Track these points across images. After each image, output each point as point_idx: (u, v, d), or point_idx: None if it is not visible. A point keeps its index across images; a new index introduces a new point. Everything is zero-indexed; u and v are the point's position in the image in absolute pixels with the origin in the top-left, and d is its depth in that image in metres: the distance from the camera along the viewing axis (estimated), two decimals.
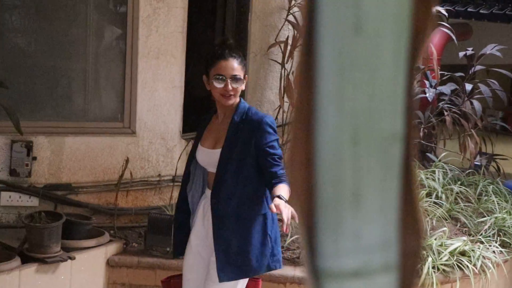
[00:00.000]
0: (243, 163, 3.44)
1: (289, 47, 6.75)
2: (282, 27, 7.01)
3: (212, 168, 3.55)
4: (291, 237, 5.62)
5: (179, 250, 3.81)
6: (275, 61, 7.00)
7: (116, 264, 5.35)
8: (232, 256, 3.45)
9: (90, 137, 6.00)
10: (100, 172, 6.02)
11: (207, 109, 7.66)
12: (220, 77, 3.40)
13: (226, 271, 3.45)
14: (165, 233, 5.30)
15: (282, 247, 5.55)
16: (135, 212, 6.07)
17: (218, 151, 3.50)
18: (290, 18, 6.84)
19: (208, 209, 3.55)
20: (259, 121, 3.44)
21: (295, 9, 6.84)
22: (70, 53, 6.07)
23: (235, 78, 3.42)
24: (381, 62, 0.61)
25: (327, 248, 0.63)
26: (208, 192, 3.59)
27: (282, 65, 6.79)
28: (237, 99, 3.52)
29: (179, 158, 6.15)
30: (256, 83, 7.20)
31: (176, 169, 6.13)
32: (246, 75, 3.59)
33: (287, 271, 5.22)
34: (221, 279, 3.44)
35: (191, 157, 3.70)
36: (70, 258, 4.98)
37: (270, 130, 3.45)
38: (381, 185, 0.63)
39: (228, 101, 3.45)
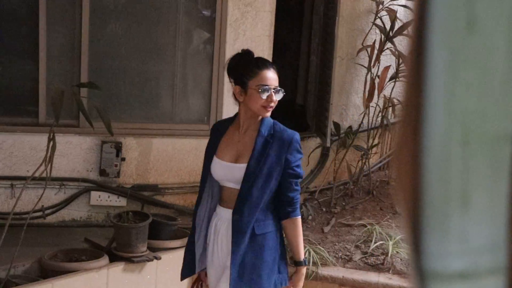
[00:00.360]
0: (270, 180, 3.31)
1: (375, 51, 6.69)
2: (369, 31, 6.95)
3: (232, 183, 3.38)
4: (375, 243, 5.56)
5: (186, 271, 3.62)
6: (362, 65, 6.94)
7: None
8: (246, 273, 3.34)
9: (177, 139, 6.10)
10: (186, 174, 6.11)
11: (288, 113, 7.70)
12: (266, 87, 3.25)
13: (238, 287, 3.35)
14: None
15: (366, 252, 5.50)
16: None
17: (242, 166, 3.33)
18: (378, 22, 6.77)
19: (222, 226, 3.41)
20: (290, 139, 3.34)
21: (383, 12, 6.77)
22: (159, 57, 6.19)
23: (277, 90, 3.31)
24: (493, 61, 0.60)
25: (433, 249, 0.61)
26: (220, 209, 3.44)
27: (369, 69, 6.73)
28: None
29: None
30: (342, 88, 7.17)
31: None
32: None
33: (371, 277, 5.16)
34: None
35: (207, 171, 3.47)
36: (156, 258, 5.07)
37: (300, 149, 3.39)
38: (490, 187, 0.61)
39: (267, 113, 3.33)
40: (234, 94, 3.38)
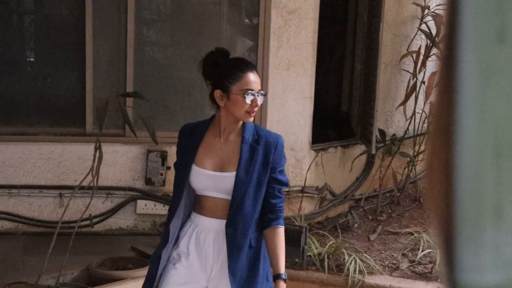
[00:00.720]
0: (260, 187, 3.11)
1: (421, 57, 6.62)
2: (414, 36, 6.89)
3: (217, 193, 3.13)
4: (422, 251, 5.49)
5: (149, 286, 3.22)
6: (407, 71, 6.88)
7: None
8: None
9: None
10: None
11: (332, 120, 7.66)
12: (250, 91, 3.02)
13: None
14: (294, 244, 5.31)
15: (413, 261, 5.44)
16: None
17: (229, 175, 3.10)
18: (423, 27, 6.70)
19: (208, 237, 3.14)
20: (276, 142, 3.13)
21: (428, 18, 6.70)
22: None
23: (261, 93, 3.08)
24: None
25: (466, 262, 0.60)
26: (202, 219, 3.16)
27: (414, 75, 6.66)
28: None
29: (308, 169, 6.16)
30: (387, 94, 7.11)
31: (305, 180, 6.14)
32: None
33: (419, 286, 5.09)
34: None
35: (184, 181, 3.16)
36: None
37: (284, 153, 3.20)
38: None
39: (251, 118, 3.09)
40: (211, 98, 3.12)
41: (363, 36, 7.22)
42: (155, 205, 5.92)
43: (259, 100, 3.05)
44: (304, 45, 6.15)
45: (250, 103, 3.02)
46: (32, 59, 6.40)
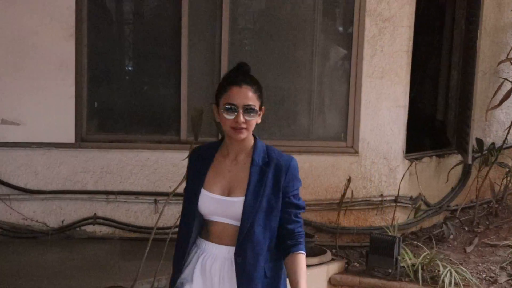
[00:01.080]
0: (272, 213, 2.89)
1: None
2: None
3: (224, 218, 2.92)
4: None
5: None
6: (506, 79, 6.69)
7: (337, 283, 5.37)
8: None
9: (314, 156, 6.10)
10: (323, 191, 6.10)
11: (427, 129, 7.52)
12: (231, 106, 2.83)
13: None
14: (387, 254, 5.24)
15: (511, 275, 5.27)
16: (357, 231, 6.07)
17: (236, 200, 2.89)
18: None
19: (214, 265, 2.96)
20: (288, 165, 2.91)
21: None
22: (296, 74, 6.24)
23: (248, 109, 2.85)
24: None
25: None
26: (209, 245, 2.97)
27: None
28: (250, 135, 2.96)
29: (402, 178, 6.06)
30: (485, 103, 6.93)
31: (398, 190, 6.04)
32: (263, 107, 3.02)
33: None
34: None
35: (193, 205, 2.93)
36: None
37: (298, 176, 2.96)
38: None
39: (239, 135, 2.86)
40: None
41: (460, 44, 7.06)
42: None
43: (243, 116, 2.85)
44: (398, 53, 6.07)
45: (231, 118, 2.84)
46: (130, 69, 6.58)
